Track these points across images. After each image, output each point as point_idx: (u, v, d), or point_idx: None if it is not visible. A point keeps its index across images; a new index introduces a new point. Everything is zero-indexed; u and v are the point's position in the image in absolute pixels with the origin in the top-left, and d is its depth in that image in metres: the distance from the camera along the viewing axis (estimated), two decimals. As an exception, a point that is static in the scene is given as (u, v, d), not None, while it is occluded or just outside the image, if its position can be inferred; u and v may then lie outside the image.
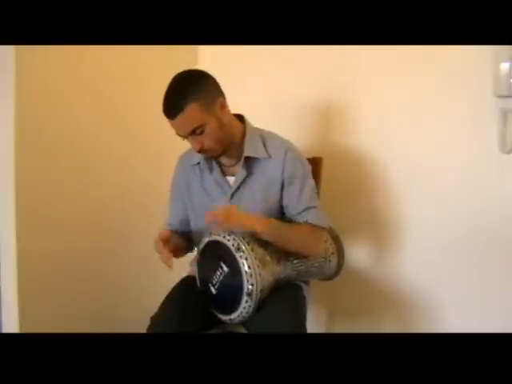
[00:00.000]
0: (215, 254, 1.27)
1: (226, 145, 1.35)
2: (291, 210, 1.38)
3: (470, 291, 1.58)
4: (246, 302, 1.20)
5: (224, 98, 1.34)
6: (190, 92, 1.25)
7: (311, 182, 1.42)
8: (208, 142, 1.30)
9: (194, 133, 1.28)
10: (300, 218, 1.37)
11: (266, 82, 1.98)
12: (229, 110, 1.37)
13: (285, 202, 1.38)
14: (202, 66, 2.13)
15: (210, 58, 2.12)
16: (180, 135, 1.31)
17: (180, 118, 1.25)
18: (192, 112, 1.25)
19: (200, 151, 1.32)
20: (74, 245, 1.75)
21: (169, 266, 1.26)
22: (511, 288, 1.51)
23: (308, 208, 1.37)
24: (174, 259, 1.31)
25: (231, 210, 1.27)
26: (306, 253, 1.39)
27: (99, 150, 1.82)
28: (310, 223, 1.36)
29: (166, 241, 1.30)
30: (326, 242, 1.47)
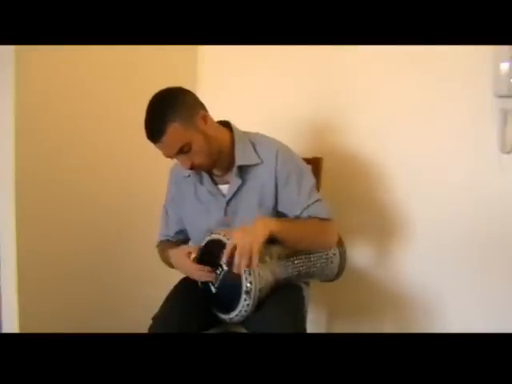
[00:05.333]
0: (215, 252, 1.27)
1: (215, 157, 1.33)
2: (292, 211, 1.35)
3: (470, 291, 1.59)
4: (245, 300, 1.20)
5: (205, 110, 1.32)
6: (169, 112, 1.23)
7: (308, 178, 1.38)
8: (197, 158, 1.29)
9: (181, 152, 1.27)
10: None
11: (266, 82, 1.98)
12: (213, 121, 1.35)
13: (284, 205, 1.36)
14: (201, 66, 2.14)
15: (210, 59, 2.12)
16: (168, 156, 1.30)
17: (164, 139, 1.24)
18: (175, 132, 1.24)
19: (191, 168, 1.31)
20: (74, 245, 1.75)
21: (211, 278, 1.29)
22: (511, 288, 1.52)
23: (308, 206, 1.34)
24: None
25: (244, 247, 1.17)
26: (319, 246, 1.37)
27: (99, 149, 1.82)
28: (315, 217, 1.33)
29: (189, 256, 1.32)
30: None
